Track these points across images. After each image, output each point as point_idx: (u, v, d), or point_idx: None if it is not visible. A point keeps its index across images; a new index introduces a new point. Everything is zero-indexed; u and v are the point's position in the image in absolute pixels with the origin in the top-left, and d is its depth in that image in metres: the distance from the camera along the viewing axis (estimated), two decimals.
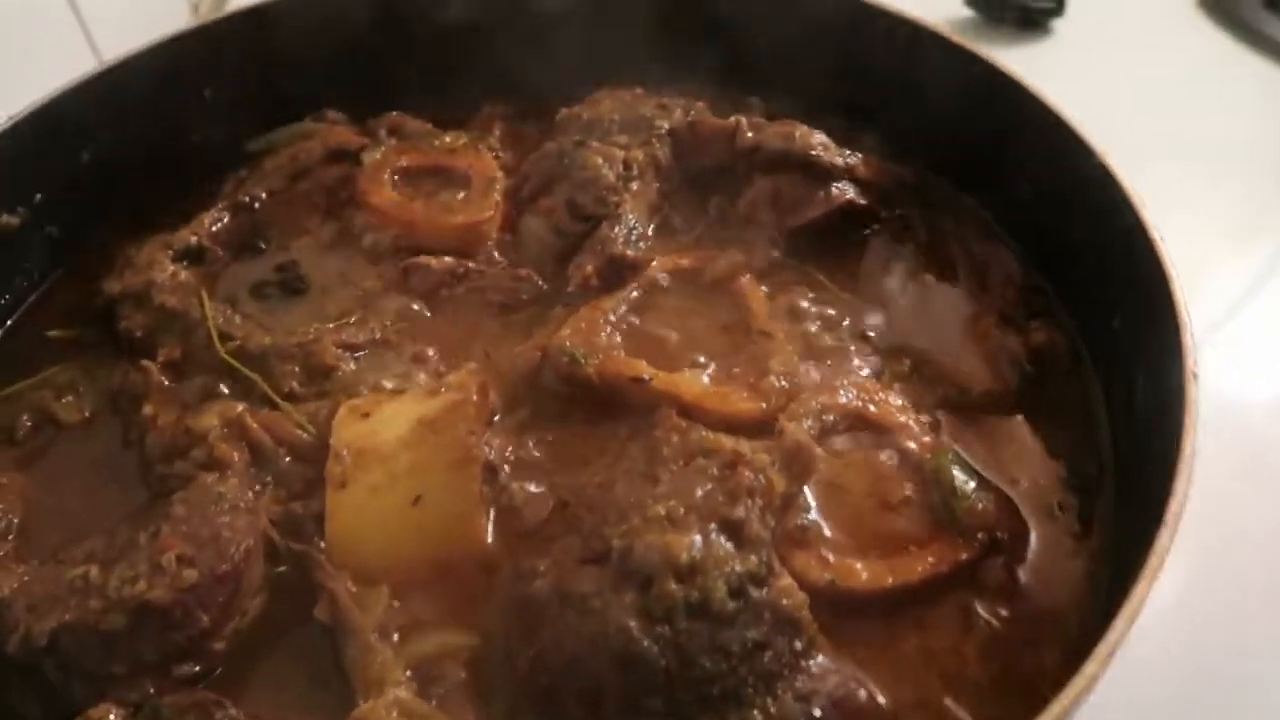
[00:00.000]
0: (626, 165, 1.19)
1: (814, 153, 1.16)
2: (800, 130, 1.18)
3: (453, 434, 0.92)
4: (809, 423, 0.98)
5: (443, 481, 0.90)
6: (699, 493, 0.86)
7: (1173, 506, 0.74)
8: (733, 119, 1.22)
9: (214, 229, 1.21)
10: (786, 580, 0.83)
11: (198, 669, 0.83)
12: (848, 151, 1.19)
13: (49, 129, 1.14)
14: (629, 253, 1.12)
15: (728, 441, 0.91)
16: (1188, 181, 1.62)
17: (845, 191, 1.16)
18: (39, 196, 1.14)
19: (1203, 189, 1.61)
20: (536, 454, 1.00)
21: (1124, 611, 0.69)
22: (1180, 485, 0.75)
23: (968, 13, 1.89)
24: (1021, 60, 1.80)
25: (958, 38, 1.19)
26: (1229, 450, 1.06)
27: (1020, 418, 1.02)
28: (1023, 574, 0.91)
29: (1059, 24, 1.88)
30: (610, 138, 1.22)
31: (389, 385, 1.03)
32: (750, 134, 1.20)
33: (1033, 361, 1.06)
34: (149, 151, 1.24)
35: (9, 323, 1.14)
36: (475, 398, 0.95)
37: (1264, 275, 1.48)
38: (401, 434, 0.93)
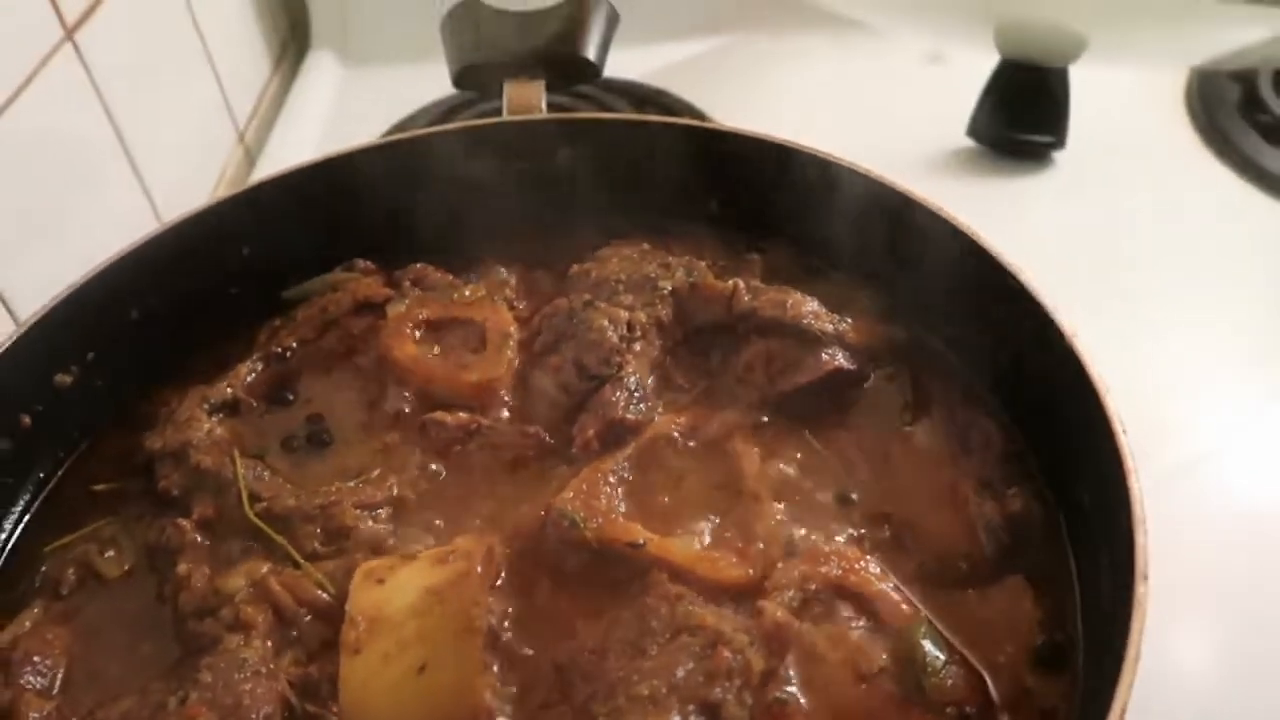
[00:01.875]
0: (630, 327, 1.27)
1: (804, 322, 1.24)
2: (793, 299, 1.26)
3: (458, 605, 1.00)
4: (790, 594, 1.04)
5: (447, 650, 0.98)
6: (680, 672, 0.93)
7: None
8: (730, 283, 1.30)
9: (249, 379, 1.31)
10: None
11: None
12: (838, 317, 1.27)
13: (107, 292, 1.25)
14: (629, 416, 1.20)
15: (710, 618, 0.98)
16: (1184, 314, 1.69)
17: (834, 357, 1.23)
18: (91, 355, 1.25)
19: (1199, 322, 1.67)
20: (538, 614, 1.07)
21: None
22: (1121, 693, 0.80)
23: (970, 144, 1.97)
24: (1022, 190, 1.93)
25: (947, 211, 1.26)
26: None
27: (996, 587, 1.08)
28: None
29: (1060, 155, 1.95)
30: (616, 297, 1.31)
31: (403, 545, 1.12)
32: (747, 297, 1.28)
33: (1008, 530, 1.11)
34: (190, 306, 1.34)
35: (59, 474, 1.23)
36: (480, 567, 1.03)
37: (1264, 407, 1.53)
38: (411, 602, 1.01)
